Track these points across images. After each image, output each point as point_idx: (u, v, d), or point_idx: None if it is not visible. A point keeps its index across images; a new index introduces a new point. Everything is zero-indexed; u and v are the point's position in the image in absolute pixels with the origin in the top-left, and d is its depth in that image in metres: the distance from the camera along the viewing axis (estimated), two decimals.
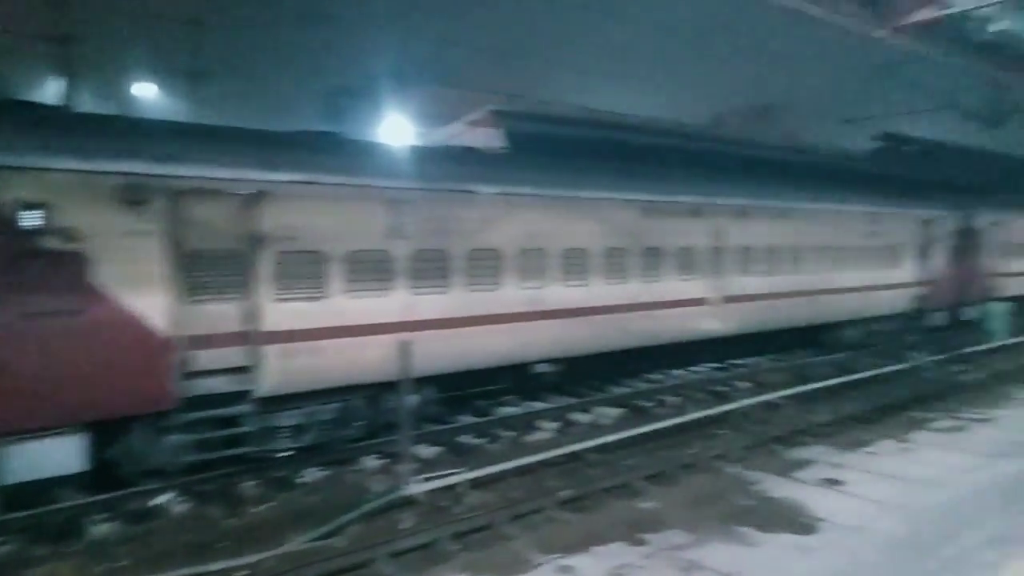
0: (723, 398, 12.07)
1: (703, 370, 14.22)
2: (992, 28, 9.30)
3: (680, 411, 11.07)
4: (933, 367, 14.53)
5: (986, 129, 20.73)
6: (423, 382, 9.18)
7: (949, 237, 18.59)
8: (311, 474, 8.24)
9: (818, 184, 15.93)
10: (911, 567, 3.96)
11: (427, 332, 9.40)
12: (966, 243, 19.00)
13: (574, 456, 8.91)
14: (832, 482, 5.39)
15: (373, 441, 9.19)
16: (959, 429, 6.88)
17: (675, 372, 13.98)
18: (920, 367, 14.39)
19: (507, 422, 10.63)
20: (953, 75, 17.62)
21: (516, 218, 10.77)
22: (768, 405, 11.33)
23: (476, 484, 7.75)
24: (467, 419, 10.73)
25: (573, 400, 11.77)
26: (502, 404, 11.51)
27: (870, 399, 11.65)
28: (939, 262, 18.24)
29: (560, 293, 11.17)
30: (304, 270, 8.38)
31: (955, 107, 20.66)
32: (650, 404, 11.96)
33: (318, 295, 8.52)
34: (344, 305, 8.78)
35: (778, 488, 5.32)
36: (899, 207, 17.31)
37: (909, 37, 8.70)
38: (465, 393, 10.99)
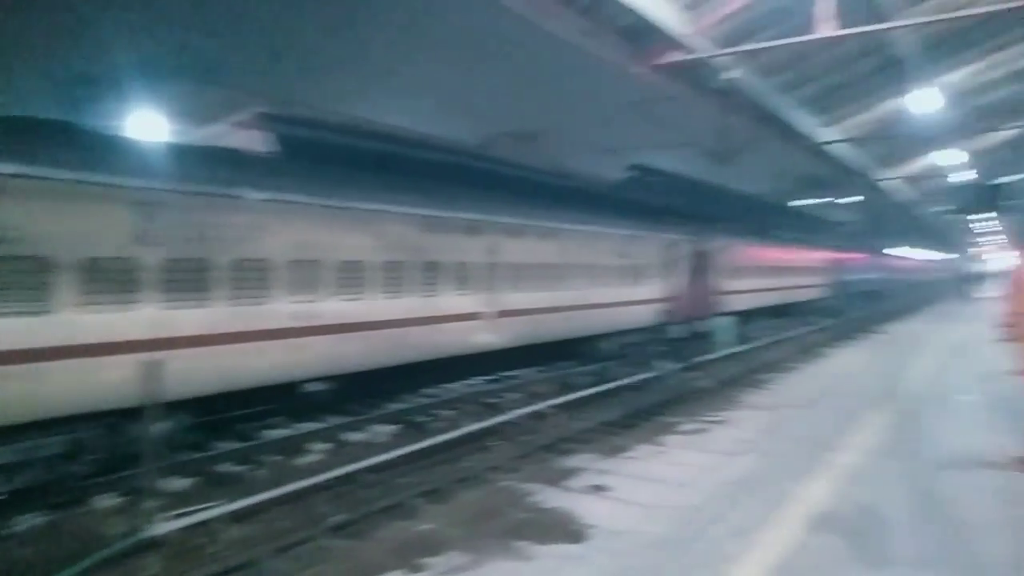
0: (496, 409, 12.36)
1: (477, 383, 14.49)
2: (724, 76, 10.66)
3: (455, 425, 11.12)
4: (674, 375, 16.26)
5: (717, 165, 23.84)
6: (176, 406, 8.17)
7: (687, 259, 21.06)
8: (28, 521, 6.89)
9: (580, 207, 17.17)
10: (670, 565, 4.27)
11: (182, 351, 8.40)
12: (700, 265, 21.68)
13: (347, 478, 8.48)
14: (599, 488, 5.67)
15: (111, 477, 7.97)
16: (701, 431, 7.66)
17: (450, 386, 14.07)
18: (664, 375, 16.02)
19: (273, 446, 9.85)
20: (693, 115, 20.05)
21: (287, 227, 10.11)
22: (537, 415, 11.81)
23: (237, 517, 7.02)
24: (227, 445, 9.77)
25: (346, 419, 11.28)
26: (268, 427, 10.67)
27: (625, 406, 12.66)
28: (679, 281, 20.56)
29: (334, 307, 10.69)
30: (19, 279, 7.04)
31: (694, 144, 23.48)
32: (426, 419, 11.85)
33: (40, 309, 7.20)
34: (76, 320, 7.53)
35: (551, 498, 5.48)
36: (647, 231, 19.25)
37: (661, 77, 9.65)
38: (225, 417, 10.03)
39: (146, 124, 18.16)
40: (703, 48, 9.57)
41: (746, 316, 24.58)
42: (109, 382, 7.70)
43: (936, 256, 63.84)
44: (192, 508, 6.93)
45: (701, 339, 20.72)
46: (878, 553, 4.51)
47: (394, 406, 12.35)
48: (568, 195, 17.76)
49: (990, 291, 39.11)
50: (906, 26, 9.98)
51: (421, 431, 11.05)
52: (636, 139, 26.90)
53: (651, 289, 19.22)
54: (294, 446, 9.93)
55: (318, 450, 9.89)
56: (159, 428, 6.58)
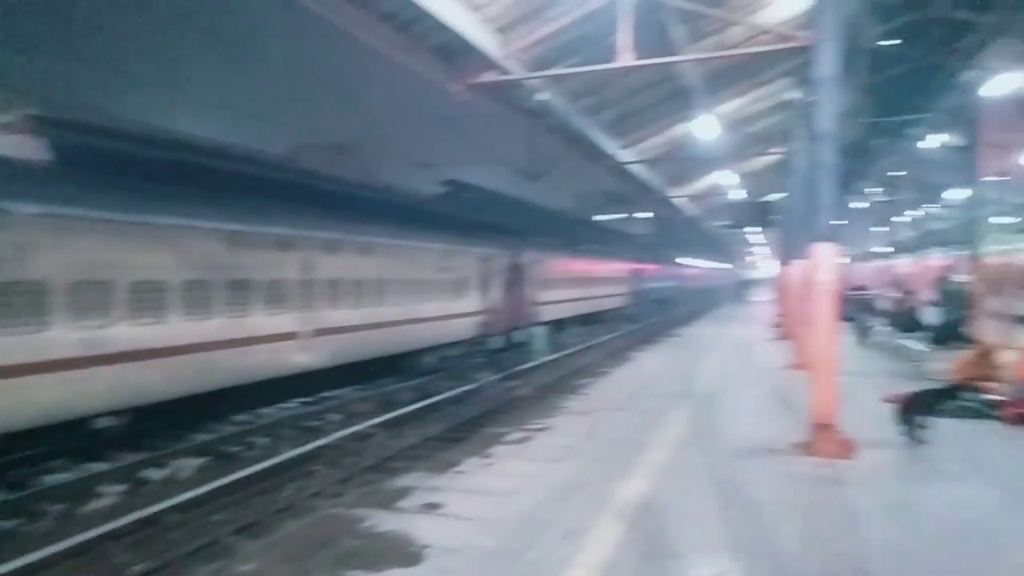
0: (316, 433, 11.84)
1: (293, 406, 13.79)
2: (537, 97, 11.16)
3: (271, 452, 10.49)
4: (495, 385, 16.64)
5: (528, 181, 24.88)
6: None
7: (503, 272, 21.71)
8: None
9: (397, 221, 17.07)
10: None
11: None
12: (515, 277, 22.45)
13: (148, 521, 7.68)
14: (432, 507, 5.62)
15: None
16: (526, 439, 7.88)
17: (264, 411, 13.25)
18: (485, 386, 16.34)
19: (55, 493, 8.66)
20: (505, 134, 20.77)
21: (68, 245, 8.99)
22: (360, 435, 11.51)
23: None
24: None
25: (144, 455, 10.19)
26: (48, 472, 9.37)
27: (449, 419, 12.73)
28: (496, 294, 21.13)
29: (128, 333, 9.66)
30: None
31: (506, 161, 24.33)
32: (238, 448, 11.05)
33: None
34: None
35: (384, 521, 5.33)
36: (464, 245, 19.58)
37: (476, 95, 9.88)
38: None
39: None
40: (515, 70, 9.93)
41: (559, 325, 25.86)
42: None
43: (718, 265, 71.41)
44: None
45: (519, 349, 21.44)
46: (692, 540, 4.91)
47: (201, 437, 11.39)
48: (384, 209, 17.57)
49: (762, 295, 44.51)
50: (690, 60, 11.07)
51: (233, 462, 10.30)
52: (450, 155, 27.36)
53: (470, 302, 19.54)
54: (81, 491, 8.80)
55: (112, 493, 8.86)
56: None
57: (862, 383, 10.51)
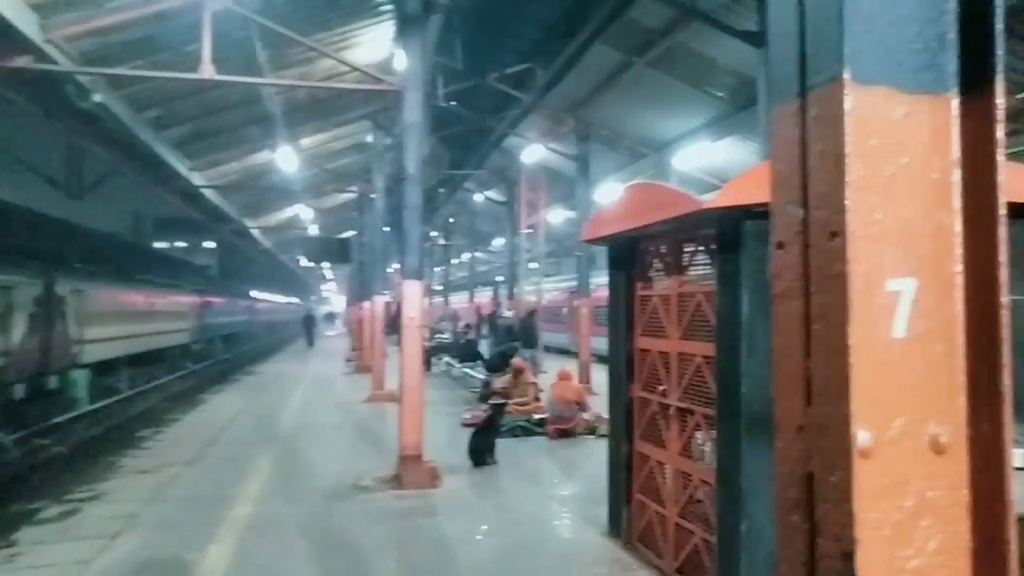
0: None
1: None
2: (96, 99, 9.39)
3: None
4: (15, 446, 13.28)
5: (69, 200, 20.94)
6: None
7: (30, 304, 17.65)
8: None
9: None
10: None
11: None
12: (47, 311, 18.46)
13: None
14: None
15: None
16: (71, 513, 6.32)
17: None
18: (2, 447, 12.92)
19: None
20: (38, 137, 17.13)
21: None
22: None
23: None
24: None
25: None
26: None
27: None
28: (19, 331, 17.04)
29: None
30: None
31: (37, 172, 20.12)
32: None
33: None
34: None
35: None
36: None
37: (11, 85, 7.83)
38: None
39: None
40: (60, 61, 8.19)
41: (107, 366, 22.09)
42: None
43: (293, 300, 70.69)
44: None
45: (51, 397, 17.58)
46: None
47: None
48: None
49: (336, 330, 45.38)
50: (275, 85, 10.67)
51: None
52: None
53: None
54: None
55: None
56: None
57: (433, 411, 11.28)
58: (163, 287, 31.19)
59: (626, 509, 5.30)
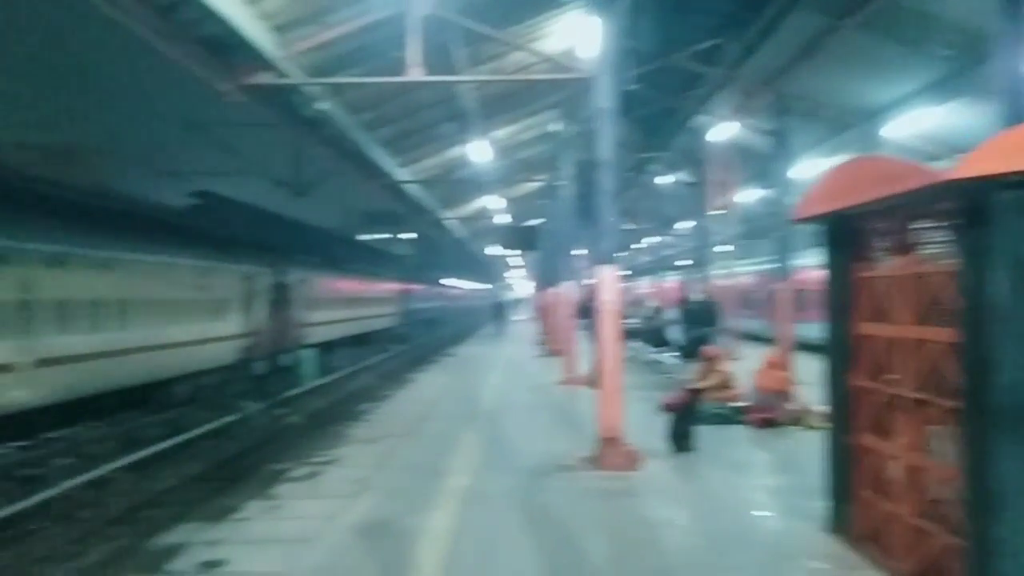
0: (37, 483, 9.82)
1: (6, 451, 11.36)
2: (316, 106, 10.50)
3: None
4: (263, 414, 15.30)
5: (291, 197, 23.53)
6: None
7: (266, 292, 20.17)
8: None
9: (145, 235, 15.05)
10: None
11: None
12: (280, 298, 20.98)
13: None
14: (213, 565, 4.81)
15: None
16: (314, 475, 7.21)
17: None
18: (251, 415, 14.95)
19: None
20: (268, 143, 19.43)
21: None
22: (97, 482, 9.81)
23: None
24: None
25: None
26: None
27: (211, 456, 11.38)
28: (259, 315, 19.54)
29: None
30: None
31: (267, 174, 22.78)
32: None
33: None
34: None
35: None
36: (222, 262, 17.84)
37: (249, 97, 8.99)
38: None
39: None
40: (294, 74, 9.23)
41: (328, 347, 24.68)
42: None
43: (480, 286, 74.02)
44: None
45: (286, 374, 20.03)
46: (507, 568, 4.75)
47: None
48: (127, 220, 15.39)
49: (521, 315, 46.87)
50: (476, 81, 11.21)
51: None
52: (201, 164, 24.91)
53: (230, 324, 17.83)
54: None
55: None
56: None
57: (626, 395, 11.30)
58: (372, 276, 34.22)
59: (849, 504, 4.99)
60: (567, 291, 16.24)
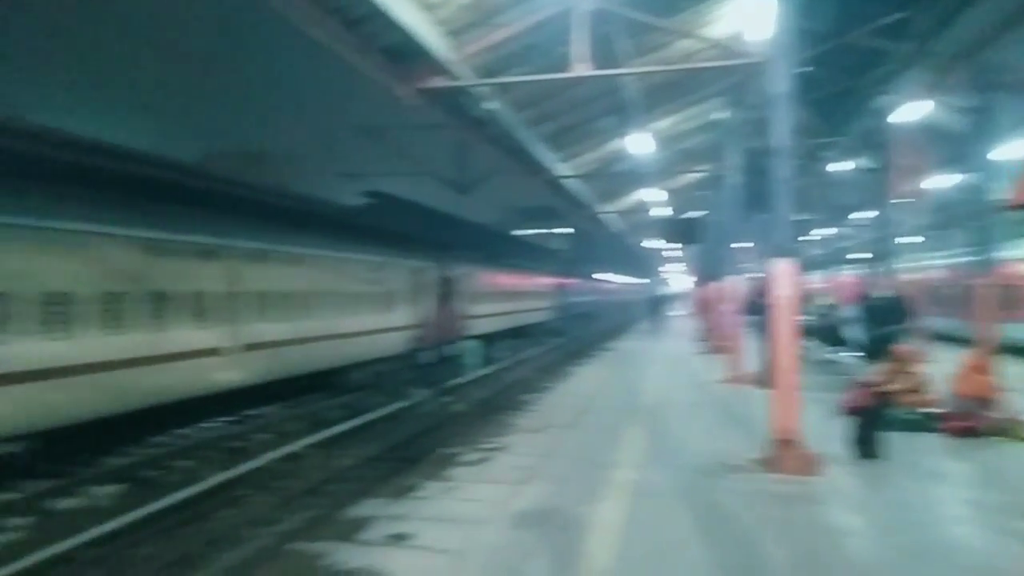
0: (243, 455, 11.03)
1: (215, 426, 12.86)
2: (484, 106, 10.87)
3: (195, 477, 9.66)
4: (429, 401, 16.12)
5: (455, 194, 24.48)
6: None
7: (433, 286, 21.21)
8: None
9: (327, 232, 16.36)
10: None
11: None
12: (445, 291, 21.98)
13: (62, 558, 6.85)
14: (399, 538, 5.17)
15: None
16: (484, 460, 7.51)
17: (183, 431, 12.27)
18: (420, 402, 15.80)
19: None
20: (432, 144, 20.33)
21: None
22: (292, 456, 10.82)
23: None
24: None
25: (51, 483, 9.16)
26: None
27: (387, 438, 12.17)
28: (426, 307, 20.59)
29: (33, 350, 8.68)
30: None
31: (433, 173, 23.85)
32: (157, 473, 10.15)
33: None
34: None
35: (351, 557, 4.85)
36: (395, 257, 19.00)
37: (423, 100, 9.50)
38: None
39: None
40: (466, 76, 9.62)
41: (488, 339, 25.54)
42: None
43: (635, 280, 72.97)
44: None
45: (450, 364, 20.95)
46: (686, 567, 4.69)
47: (114, 461, 10.39)
48: (311, 219, 16.82)
49: (679, 310, 45.66)
50: (642, 72, 11.06)
51: (153, 488, 9.41)
52: (374, 166, 26.63)
53: (401, 316, 18.96)
54: None
55: (16, 527, 7.89)
56: None
57: (802, 396, 10.68)
58: (528, 271, 34.92)
59: None
60: (732, 285, 15.61)
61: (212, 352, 11.89)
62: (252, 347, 12.66)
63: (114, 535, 7.44)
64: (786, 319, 7.25)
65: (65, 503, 8.68)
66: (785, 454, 6.91)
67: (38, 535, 7.56)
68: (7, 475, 8.91)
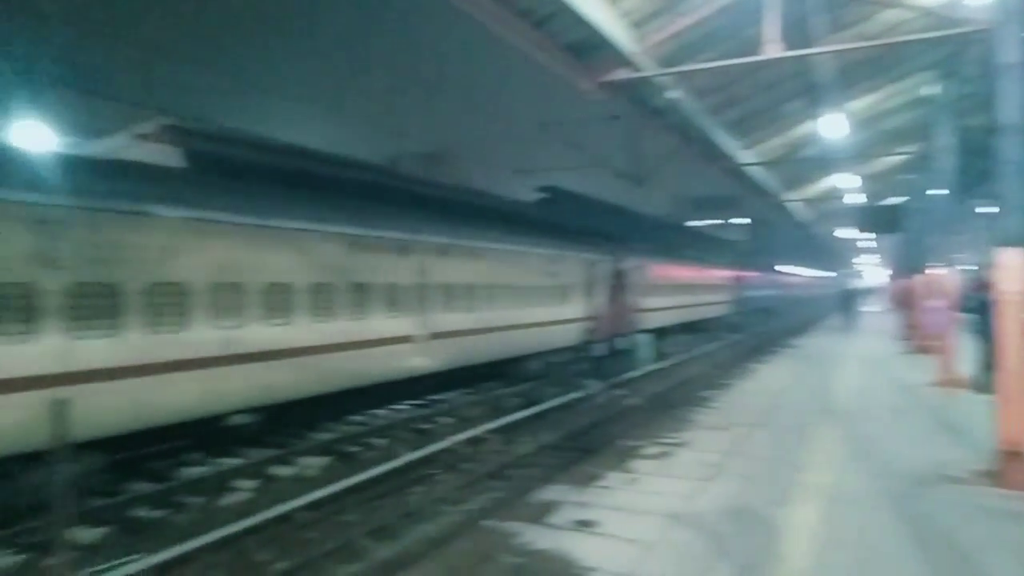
0: (430, 436, 11.78)
1: (405, 408, 13.83)
2: (666, 95, 10.70)
3: (389, 454, 10.48)
4: (603, 393, 16.18)
5: (628, 186, 24.24)
6: (83, 448, 7.18)
7: (606, 278, 21.20)
8: None
9: (505, 227, 16.93)
10: None
11: (91, 385, 7.43)
12: (618, 283, 21.88)
13: (282, 518, 7.74)
14: (585, 524, 5.30)
15: (4, 532, 6.89)
16: (666, 455, 7.44)
17: (378, 412, 13.34)
18: (593, 394, 15.91)
19: (194, 486, 8.90)
20: (607, 137, 20.28)
21: (206, 248, 9.25)
22: (474, 440, 11.37)
23: (163, 569, 6.20)
24: (141, 486, 8.74)
25: (271, 452, 10.39)
26: (185, 464, 9.67)
27: (562, 427, 12.40)
28: (600, 300, 20.64)
29: (260, 333, 9.86)
30: None
31: (606, 165, 23.78)
32: (357, 449, 11.13)
33: None
34: None
35: (539, 538, 5.05)
36: (569, 250, 19.22)
37: (606, 93, 9.54)
38: (136, 455, 9.02)
39: (28, 135, 16.29)
40: (648, 67, 9.52)
41: (661, 333, 25.09)
42: (6, 423, 6.69)
43: (822, 273, 68.04)
44: (109, 564, 6.07)
45: (622, 357, 20.87)
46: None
47: (321, 436, 11.54)
48: (490, 214, 17.48)
49: (874, 306, 41.95)
50: (838, 50, 10.32)
51: (355, 462, 10.36)
52: (550, 160, 27.06)
53: (575, 308, 19.17)
54: (217, 485, 9.01)
55: (244, 488, 9.03)
56: (66, 472, 5.65)
57: None
58: (705, 263, 33.76)
59: None
60: (941, 278, 14.08)
61: (405, 339, 12.78)
62: (438, 335, 13.45)
63: (322, 502, 8.29)
64: (1015, 317, 6.46)
65: (283, 471, 9.78)
66: (1014, 467, 6.16)
67: (263, 497, 8.61)
68: (239, 443, 10.23)
